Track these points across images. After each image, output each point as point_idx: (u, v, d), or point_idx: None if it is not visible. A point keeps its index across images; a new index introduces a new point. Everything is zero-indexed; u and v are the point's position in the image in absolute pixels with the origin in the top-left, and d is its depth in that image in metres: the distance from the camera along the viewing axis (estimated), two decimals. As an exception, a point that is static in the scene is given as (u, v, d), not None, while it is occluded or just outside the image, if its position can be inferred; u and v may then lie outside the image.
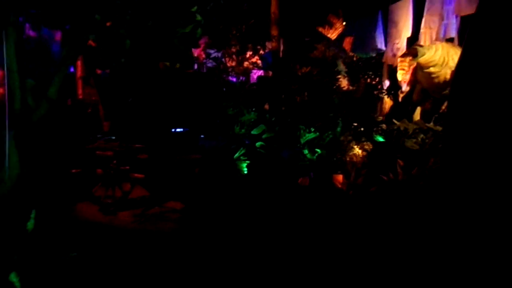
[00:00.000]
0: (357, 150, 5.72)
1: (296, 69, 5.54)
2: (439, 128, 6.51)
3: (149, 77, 4.68)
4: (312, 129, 5.61)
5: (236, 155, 5.45)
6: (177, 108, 5.01)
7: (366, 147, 5.86)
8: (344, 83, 9.56)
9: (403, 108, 8.10)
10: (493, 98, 2.28)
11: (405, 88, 7.30)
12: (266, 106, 5.49)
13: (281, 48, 9.07)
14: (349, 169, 5.82)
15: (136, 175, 4.57)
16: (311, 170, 5.21)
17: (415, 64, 6.27)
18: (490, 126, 2.29)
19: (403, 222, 4.52)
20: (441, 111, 6.74)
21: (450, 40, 5.98)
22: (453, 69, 6.71)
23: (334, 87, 6.14)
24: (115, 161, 4.31)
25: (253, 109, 5.50)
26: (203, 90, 5.58)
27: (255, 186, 4.79)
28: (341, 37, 10.06)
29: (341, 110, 9.16)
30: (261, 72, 7.97)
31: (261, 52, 7.40)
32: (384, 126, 7.21)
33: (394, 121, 7.09)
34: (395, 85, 7.97)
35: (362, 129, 7.52)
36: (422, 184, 5.51)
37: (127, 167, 4.58)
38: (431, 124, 6.87)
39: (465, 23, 5.50)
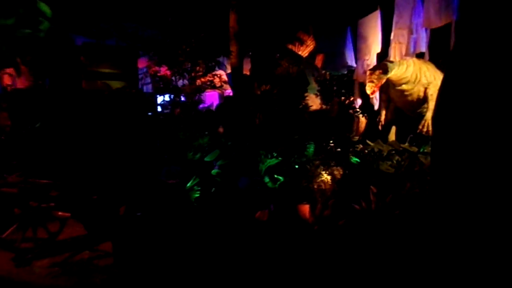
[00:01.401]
0: (326, 176, 5.19)
1: (254, 88, 5.05)
2: (414, 149, 6.09)
3: (70, 96, 4.08)
4: (275, 154, 5.07)
5: (189, 184, 4.84)
6: (109, 133, 4.40)
7: (336, 172, 5.33)
8: (316, 102, 9.20)
9: (378, 128, 7.70)
10: (479, 117, 2.28)
11: (376, 106, 6.93)
12: (221, 129, 4.98)
13: (248, 66, 8.68)
14: (318, 198, 5.27)
15: (61, 213, 3.89)
16: (272, 201, 4.63)
17: (385, 79, 5.88)
18: (477, 145, 2.30)
19: (374, 260, 3.96)
20: (418, 131, 6.34)
21: (420, 55, 5.64)
22: (425, 86, 6.40)
23: (301, 106, 5.66)
24: (32, 198, 3.63)
25: (206, 132, 4.95)
26: (144, 111, 5.02)
27: (203, 224, 4.16)
28: (313, 55, 9.79)
29: (313, 131, 8.75)
30: (215, 93, 7.49)
31: (218, 71, 6.95)
32: (360, 146, 6.75)
33: (368, 142, 6.64)
34: (369, 103, 7.61)
35: (339, 149, 7.10)
36: (398, 213, 5.00)
37: (52, 204, 3.90)
38: (406, 145, 6.46)
39: (434, 37, 5.17)
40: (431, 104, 6.35)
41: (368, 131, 8.64)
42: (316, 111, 9.22)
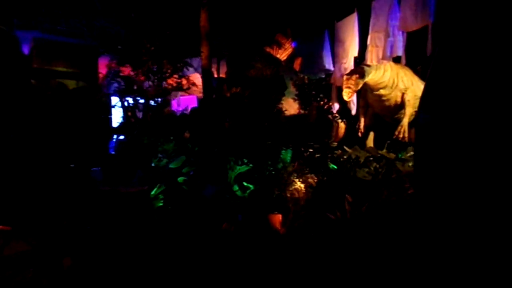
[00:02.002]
0: (299, 185, 4.96)
1: (223, 90, 4.80)
2: (392, 155, 5.94)
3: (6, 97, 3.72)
4: (245, 160, 4.82)
5: (153, 192, 4.52)
6: (51, 137, 4.03)
7: (310, 180, 5.11)
8: (294, 106, 9.04)
9: (357, 133, 7.55)
10: (462, 120, 2.21)
11: (354, 111, 6.79)
12: (187, 134, 4.70)
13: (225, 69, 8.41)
14: (290, 207, 5.04)
15: (1, 227, 3.51)
16: (240, 211, 4.36)
17: (362, 83, 5.73)
18: (459, 149, 2.22)
19: (346, 271, 3.75)
20: (394, 136, 6.20)
21: (397, 59, 5.51)
22: (403, 91, 6.28)
23: (275, 110, 5.44)
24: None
25: (171, 137, 4.66)
26: (99, 113, 4.68)
27: (165, 236, 3.85)
28: (291, 58, 9.62)
29: (291, 136, 8.53)
30: (193, 97, 7.21)
31: (193, 73, 6.68)
32: (339, 152, 6.56)
33: (345, 148, 6.47)
34: (347, 108, 7.47)
35: (318, 155, 6.93)
36: (374, 222, 4.81)
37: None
38: (384, 151, 6.31)
39: (411, 40, 5.04)
40: (408, 110, 6.24)
41: (347, 136, 8.51)
42: (294, 115, 9.05)
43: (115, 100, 6.19)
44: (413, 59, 5.55)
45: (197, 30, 5.31)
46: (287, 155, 8.11)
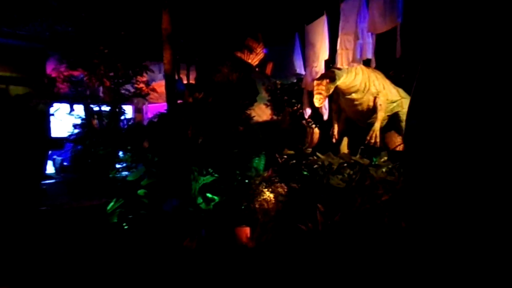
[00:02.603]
0: (268, 195, 4.72)
1: (185, 96, 4.52)
2: (366, 161, 5.78)
3: None
4: (210, 170, 4.53)
5: (110, 207, 4.16)
6: None
7: (280, 189, 4.87)
8: (267, 112, 8.84)
9: (331, 139, 7.39)
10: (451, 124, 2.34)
11: (326, 116, 6.64)
12: (146, 144, 4.39)
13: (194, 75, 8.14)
14: (260, 219, 4.78)
15: None
16: (205, 225, 4.06)
17: (333, 88, 5.58)
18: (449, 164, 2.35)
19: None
20: (366, 142, 6.07)
21: (367, 62, 5.38)
22: (374, 95, 6.18)
23: (244, 116, 5.20)
24: None
25: (129, 147, 4.33)
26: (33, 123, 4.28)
27: (121, 254, 3.51)
28: (263, 63, 9.45)
29: (264, 143, 8.31)
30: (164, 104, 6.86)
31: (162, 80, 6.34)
32: (314, 158, 6.35)
33: (318, 154, 6.28)
34: (319, 113, 7.31)
35: (293, 161, 6.74)
36: (347, 232, 4.61)
37: None
38: (357, 157, 6.15)
39: (381, 42, 4.92)
40: (380, 114, 6.13)
41: (322, 142, 8.37)
42: (266, 122, 8.86)
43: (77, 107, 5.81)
44: (383, 62, 5.44)
45: (159, 33, 5.03)
46: (260, 162, 7.86)
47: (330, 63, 6.19)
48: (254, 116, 6.47)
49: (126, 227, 4.11)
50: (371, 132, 6.06)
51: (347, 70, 5.83)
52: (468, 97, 2.31)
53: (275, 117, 8.63)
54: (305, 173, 6.22)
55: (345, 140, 7.01)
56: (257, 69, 9.64)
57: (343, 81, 5.88)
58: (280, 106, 8.57)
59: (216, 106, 4.88)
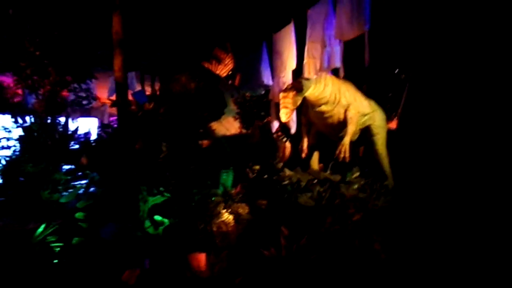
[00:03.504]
0: (227, 216, 4.26)
1: (129, 106, 4.05)
2: (337, 177, 5.44)
3: None
4: (162, 189, 4.05)
5: (37, 233, 3.59)
6: None
7: (241, 210, 4.43)
8: (235, 125, 8.45)
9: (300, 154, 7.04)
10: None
11: (294, 129, 6.30)
12: (84, 160, 3.89)
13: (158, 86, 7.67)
14: (218, 244, 4.31)
15: None
16: (151, 253, 3.55)
17: (300, 100, 5.24)
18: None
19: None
20: (335, 156, 5.73)
21: (335, 71, 5.09)
22: (345, 107, 5.88)
23: (202, 130, 4.77)
24: None
25: (62, 164, 3.81)
26: None
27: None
28: (233, 74, 9.12)
29: (232, 158, 7.93)
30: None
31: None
32: (286, 173, 5.96)
33: (286, 170, 5.89)
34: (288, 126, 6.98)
35: (266, 176, 6.36)
36: (314, 257, 4.20)
37: None
38: (327, 173, 5.81)
39: (349, 51, 4.65)
40: (350, 128, 5.83)
41: (294, 157, 8.05)
42: (235, 135, 8.46)
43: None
44: (352, 71, 5.17)
45: (109, 37, 4.58)
46: (228, 178, 7.40)
47: (298, 72, 5.89)
48: (214, 129, 6.08)
49: (56, 257, 3.54)
50: (340, 147, 5.73)
51: (315, 81, 5.53)
52: (462, 100, 2.44)
53: (244, 131, 8.25)
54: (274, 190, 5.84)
55: (315, 155, 6.67)
56: (229, 82, 9.32)
57: (311, 93, 5.56)
58: (250, 119, 8.21)
59: (170, 118, 4.43)
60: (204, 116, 4.69)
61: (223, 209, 4.38)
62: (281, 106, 5.18)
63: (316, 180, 5.71)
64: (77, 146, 4.44)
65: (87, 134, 4.20)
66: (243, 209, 4.48)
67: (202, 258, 4.03)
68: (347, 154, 5.88)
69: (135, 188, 3.93)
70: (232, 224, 4.36)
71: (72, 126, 4.84)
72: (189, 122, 4.55)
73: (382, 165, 6.40)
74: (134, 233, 3.58)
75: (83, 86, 5.19)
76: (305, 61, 5.33)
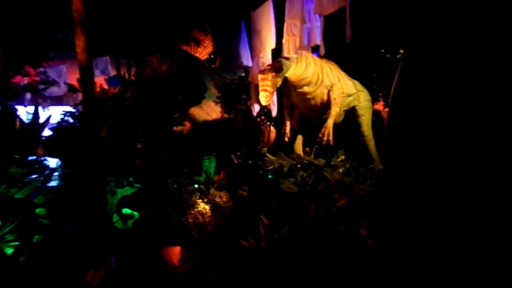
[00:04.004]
0: (203, 206, 3.99)
1: (94, 92, 3.70)
2: (321, 161, 5.19)
3: None
4: (132, 180, 3.75)
5: (-5, 232, 3.28)
6: None
7: (218, 200, 4.16)
8: (217, 110, 8.12)
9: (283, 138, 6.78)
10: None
11: (275, 112, 6.01)
12: (40, 151, 3.55)
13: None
14: (194, 236, 4.05)
15: None
16: (120, 249, 3.28)
17: (280, 81, 4.94)
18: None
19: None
20: (318, 139, 5.49)
21: (315, 48, 4.79)
22: (328, 88, 5.61)
23: (177, 114, 4.45)
24: None
25: (17, 156, 3.47)
26: None
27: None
28: (213, 57, 8.74)
29: (214, 144, 7.65)
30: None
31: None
32: (269, 158, 5.70)
33: (268, 155, 5.63)
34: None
35: (250, 162, 6.13)
36: (297, 248, 3.97)
37: None
38: (311, 157, 5.56)
39: (329, 28, 4.33)
40: (334, 109, 5.58)
41: (279, 142, 7.80)
42: (217, 120, 8.14)
43: None
44: (334, 48, 4.87)
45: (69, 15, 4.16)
46: (210, 165, 7.13)
47: (277, 52, 5.56)
48: (195, 115, 5.77)
49: (15, 256, 3.24)
50: (323, 129, 5.48)
51: (296, 60, 5.23)
52: (453, 93, 2.31)
53: (226, 115, 7.92)
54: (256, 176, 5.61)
55: (299, 139, 6.43)
56: (212, 65, 8.92)
57: (292, 73, 5.27)
58: (231, 103, 7.88)
59: (140, 103, 4.09)
60: (177, 101, 4.36)
61: (199, 198, 4.10)
62: (260, 89, 4.88)
63: (299, 165, 5.48)
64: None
65: (45, 122, 3.84)
66: (221, 198, 4.21)
67: (175, 252, 3.77)
68: (331, 137, 5.65)
69: (101, 180, 3.62)
70: (209, 214, 4.10)
71: (44, 115, 4.49)
72: (160, 107, 4.21)
73: (368, 147, 6.20)
74: (99, 228, 3.29)
75: (43, 70, 4.79)
76: (284, 39, 5.01)
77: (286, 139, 6.28)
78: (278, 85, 5.03)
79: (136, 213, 3.59)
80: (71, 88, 3.63)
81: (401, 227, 3.21)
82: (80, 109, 3.96)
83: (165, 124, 4.34)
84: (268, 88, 4.82)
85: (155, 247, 3.65)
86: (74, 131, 3.64)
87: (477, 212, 2.27)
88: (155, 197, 3.94)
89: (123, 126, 3.84)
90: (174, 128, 5.46)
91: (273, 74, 4.86)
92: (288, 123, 6.18)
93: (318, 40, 4.55)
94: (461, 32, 2.39)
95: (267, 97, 4.87)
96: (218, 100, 7.86)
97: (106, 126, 3.73)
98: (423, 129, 2.48)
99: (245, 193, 5.18)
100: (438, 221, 2.51)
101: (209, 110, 8.02)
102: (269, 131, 8.14)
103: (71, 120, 3.94)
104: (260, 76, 4.85)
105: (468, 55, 2.37)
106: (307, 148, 6.52)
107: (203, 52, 8.54)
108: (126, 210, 3.59)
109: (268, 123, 7.92)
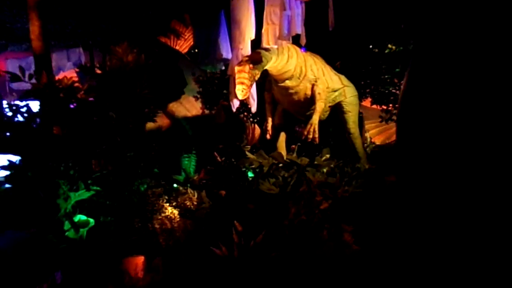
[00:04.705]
0: (171, 211, 3.59)
1: (42, 83, 3.25)
2: (305, 160, 4.83)
3: None
4: (90, 182, 3.33)
5: None
6: None
7: (188, 202, 3.77)
8: (197, 106, 7.71)
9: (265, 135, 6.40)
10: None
11: (254, 107, 5.62)
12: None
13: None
14: (162, 244, 3.65)
15: None
16: (69, 262, 2.86)
17: (259, 74, 4.54)
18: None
19: None
20: (303, 137, 5.12)
21: (296, 38, 4.40)
22: (312, 82, 5.24)
23: (147, 109, 4.04)
24: None
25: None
26: None
27: None
28: (194, 49, 8.30)
29: (194, 141, 7.29)
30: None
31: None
32: (250, 156, 5.33)
33: (248, 154, 5.26)
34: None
35: (233, 160, 5.83)
36: (274, 257, 3.62)
37: None
38: (293, 156, 5.20)
39: (309, 16, 3.96)
40: (319, 105, 5.22)
41: (264, 139, 7.44)
42: (197, 116, 7.72)
43: None
44: (318, 42, 4.49)
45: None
46: (190, 163, 6.78)
47: (258, 44, 5.17)
48: (173, 111, 5.36)
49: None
50: (308, 126, 5.11)
51: (277, 52, 4.84)
52: (466, 92, 2.18)
53: (207, 111, 7.51)
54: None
55: (282, 136, 6.04)
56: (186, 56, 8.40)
57: (273, 65, 4.88)
58: (213, 98, 7.47)
59: (100, 97, 3.67)
60: (145, 94, 3.94)
61: (166, 202, 3.70)
62: (236, 81, 4.48)
63: (281, 165, 5.11)
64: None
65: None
66: (191, 201, 3.81)
67: (139, 262, 3.37)
68: (316, 135, 5.29)
69: (51, 183, 3.19)
70: (178, 219, 3.70)
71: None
72: (125, 101, 3.79)
73: (355, 146, 5.86)
74: (45, 239, 2.87)
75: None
76: (264, 27, 4.62)
77: (268, 136, 5.89)
78: (256, 78, 4.64)
79: (92, 220, 3.17)
80: (13, 77, 3.19)
81: (402, 232, 2.97)
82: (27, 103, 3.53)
83: (131, 120, 3.91)
84: (245, 81, 4.42)
85: (114, 258, 3.24)
86: (20, 127, 3.21)
87: (488, 218, 2.17)
88: (116, 201, 3.52)
89: (78, 122, 3.41)
90: (150, 125, 5.07)
91: (251, 66, 4.46)
92: (269, 119, 5.79)
93: (298, 29, 4.18)
94: (474, 30, 2.25)
95: (243, 90, 4.46)
96: (198, 96, 7.43)
97: (58, 122, 3.30)
98: (436, 130, 2.34)
99: (223, 193, 4.81)
100: (446, 226, 2.36)
101: (189, 106, 7.61)
102: (254, 128, 7.76)
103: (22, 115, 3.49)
104: (236, 68, 4.44)
105: (483, 54, 2.22)
106: (294, 146, 6.16)
107: (184, 44, 8.11)
108: (80, 217, 3.18)
109: (252, 119, 7.55)
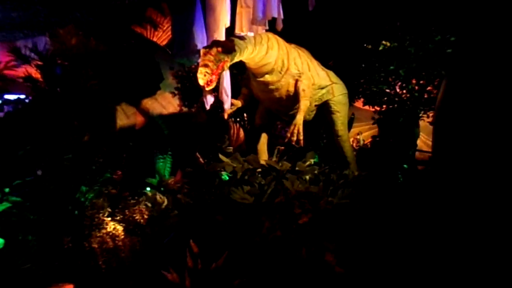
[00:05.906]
0: (113, 226, 2.91)
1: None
2: (286, 165, 4.19)
3: None
4: (7, 190, 2.66)
5: None
6: None
7: (137, 216, 3.09)
8: (174, 103, 7.05)
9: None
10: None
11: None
12: None
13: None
14: (101, 267, 2.98)
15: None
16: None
17: (228, 64, 3.86)
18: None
19: None
20: (286, 140, 4.47)
21: (272, 23, 3.74)
22: (296, 77, 4.58)
23: (98, 104, 3.37)
24: None
25: None
26: None
27: None
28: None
29: (170, 141, 6.71)
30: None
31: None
32: (224, 159, 4.69)
33: (221, 157, 4.61)
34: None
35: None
36: (238, 284, 2.97)
37: None
38: (273, 160, 4.55)
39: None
40: (304, 103, 4.55)
41: (247, 140, 6.83)
42: (174, 114, 7.07)
43: None
44: (293, 22, 3.83)
45: None
46: (165, 165, 6.23)
47: (233, 31, 4.51)
48: (147, 107, 4.69)
49: None
50: (292, 127, 4.44)
51: (255, 41, 4.18)
52: (506, 100, 2.22)
53: (185, 109, 6.86)
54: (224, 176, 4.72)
55: (263, 138, 5.38)
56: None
57: (250, 57, 4.22)
58: (192, 95, 6.82)
59: (35, 89, 3.00)
60: (92, 86, 3.27)
61: (108, 216, 3.03)
62: (200, 64, 3.73)
63: (260, 170, 4.46)
64: None
65: None
66: (141, 214, 3.14)
67: (68, 292, 2.70)
68: (301, 136, 4.62)
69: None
70: (122, 236, 3.02)
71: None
72: (65, 93, 3.13)
73: (343, 150, 5.21)
74: None
75: None
76: (237, 11, 3.96)
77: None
78: (225, 67, 3.94)
79: (1, 240, 2.51)
80: None
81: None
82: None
83: (73, 116, 3.24)
84: (210, 64, 3.66)
85: (41, 286, 2.57)
86: None
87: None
88: (43, 215, 2.85)
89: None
90: (122, 122, 4.45)
91: (219, 49, 3.75)
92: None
93: (275, 12, 3.53)
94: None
95: (206, 74, 3.69)
96: (176, 92, 6.78)
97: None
98: (475, 138, 2.38)
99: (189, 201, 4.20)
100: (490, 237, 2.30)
101: (165, 103, 6.94)
102: (238, 129, 7.13)
103: None
104: (202, 51, 3.71)
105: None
106: (281, 148, 5.54)
107: (162, 36, 7.45)
108: (-13, 236, 2.52)
109: (236, 118, 6.93)
